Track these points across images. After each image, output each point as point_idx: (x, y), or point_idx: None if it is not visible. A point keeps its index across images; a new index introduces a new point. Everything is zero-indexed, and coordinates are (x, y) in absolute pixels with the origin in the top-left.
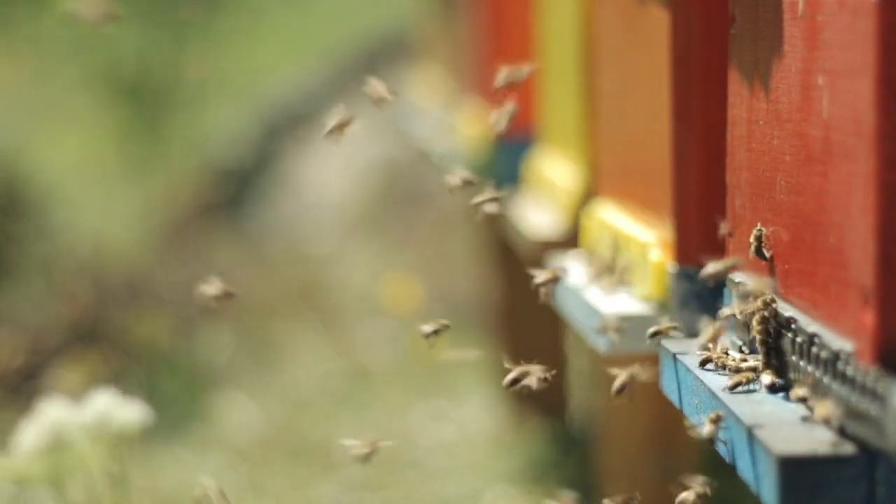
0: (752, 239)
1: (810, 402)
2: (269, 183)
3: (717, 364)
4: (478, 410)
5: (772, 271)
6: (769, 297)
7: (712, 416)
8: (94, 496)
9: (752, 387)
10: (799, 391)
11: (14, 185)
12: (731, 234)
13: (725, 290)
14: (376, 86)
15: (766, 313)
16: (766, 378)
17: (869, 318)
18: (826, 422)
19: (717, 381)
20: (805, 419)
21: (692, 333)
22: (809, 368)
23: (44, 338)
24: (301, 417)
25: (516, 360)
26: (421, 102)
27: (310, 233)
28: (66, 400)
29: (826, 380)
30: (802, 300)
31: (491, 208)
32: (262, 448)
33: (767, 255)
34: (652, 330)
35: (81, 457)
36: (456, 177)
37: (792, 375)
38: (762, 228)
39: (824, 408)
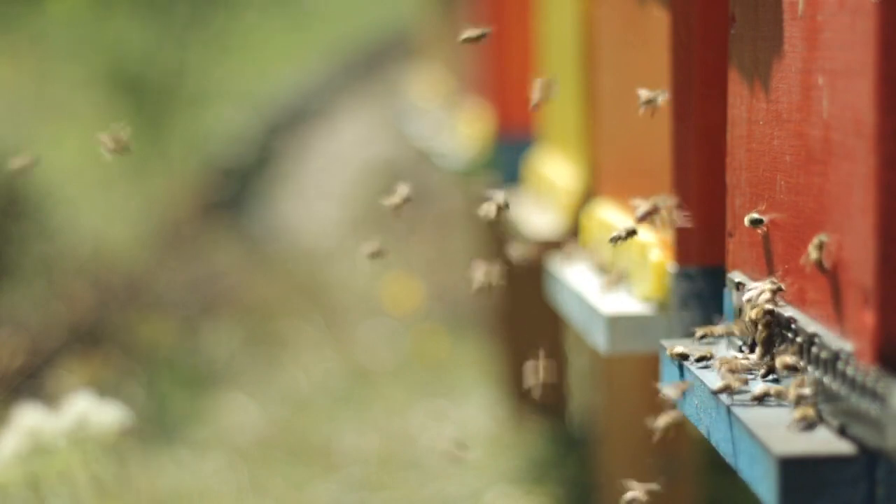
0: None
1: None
2: (269, 183)
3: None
4: (478, 410)
5: (769, 263)
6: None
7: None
8: (77, 500)
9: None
10: (787, 359)
11: (14, 185)
12: (731, 235)
13: (725, 291)
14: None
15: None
16: (759, 386)
17: (869, 318)
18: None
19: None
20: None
21: (689, 333)
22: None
23: (44, 338)
24: (301, 417)
25: (517, 359)
26: (421, 102)
27: (310, 232)
28: (44, 406)
29: (826, 380)
30: (802, 300)
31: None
32: (262, 448)
33: (764, 220)
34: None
35: (62, 462)
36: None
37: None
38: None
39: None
